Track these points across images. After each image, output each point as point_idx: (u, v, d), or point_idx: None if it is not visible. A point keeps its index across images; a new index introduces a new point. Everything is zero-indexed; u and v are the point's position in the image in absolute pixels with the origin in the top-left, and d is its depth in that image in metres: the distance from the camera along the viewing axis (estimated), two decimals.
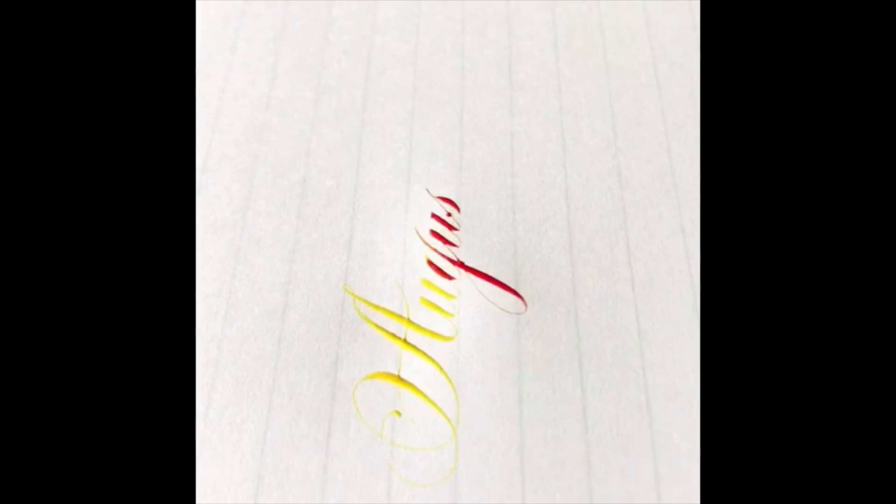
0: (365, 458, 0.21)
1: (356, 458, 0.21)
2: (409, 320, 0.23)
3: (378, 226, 0.25)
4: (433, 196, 0.26)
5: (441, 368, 0.22)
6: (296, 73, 0.29)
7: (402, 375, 0.22)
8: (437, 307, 0.24)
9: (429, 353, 0.23)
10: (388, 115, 0.28)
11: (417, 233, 0.25)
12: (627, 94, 0.28)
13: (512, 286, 0.24)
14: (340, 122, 0.28)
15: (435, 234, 0.25)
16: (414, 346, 0.23)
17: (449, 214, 0.26)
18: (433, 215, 0.25)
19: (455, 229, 0.25)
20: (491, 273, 0.24)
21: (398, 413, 0.22)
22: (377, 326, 0.23)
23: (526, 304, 0.24)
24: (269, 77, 0.29)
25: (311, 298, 0.24)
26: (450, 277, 0.24)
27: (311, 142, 0.27)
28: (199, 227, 0.25)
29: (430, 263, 0.24)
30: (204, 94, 0.28)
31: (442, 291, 0.24)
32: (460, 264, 0.24)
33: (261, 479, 0.21)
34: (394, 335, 0.23)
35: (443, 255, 0.25)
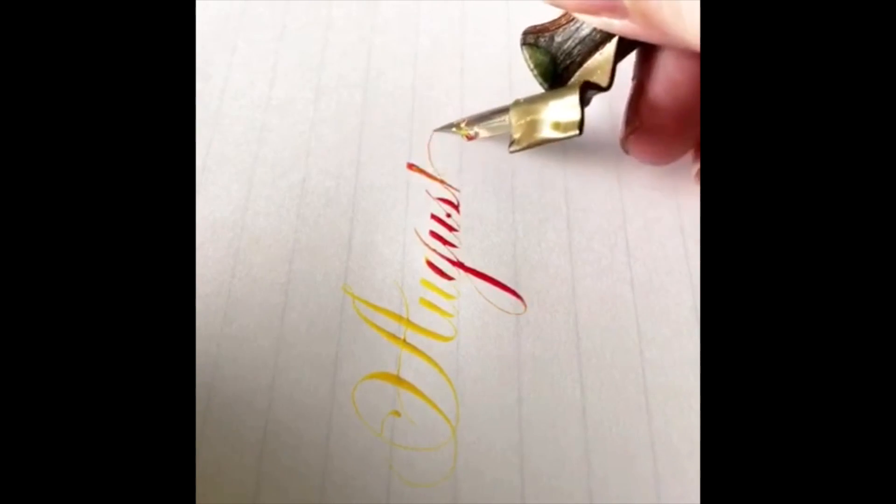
0: (365, 458, 0.21)
1: (356, 458, 0.21)
2: (408, 321, 0.23)
3: (378, 226, 0.25)
4: (433, 197, 0.26)
5: (441, 369, 0.23)
6: (296, 74, 0.29)
7: (402, 375, 0.22)
8: (437, 307, 0.24)
9: (428, 353, 0.23)
10: (388, 116, 0.28)
11: (417, 233, 0.25)
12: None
13: (511, 287, 0.24)
14: (340, 123, 0.28)
15: (434, 234, 0.25)
16: (413, 347, 0.23)
17: (448, 215, 0.26)
18: (433, 216, 0.26)
19: (455, 230, 0.25)
20: (490, 274, 0.24)
21: (398, 413, 0.22)
22: (377, 327, 0.23)
23: (525, 305, 0.24)
24: (269, 77, 0.29)
25: (310, 298, 0.24)
26: (449, 278, 0.24)
27: (311, 142, 0.27)
28: (199, 227, 0.25)
29: (430, 264, 0.24)
30: (204, 94, 0.28)
31: (441, 292, 0.24)
32: (460, 265, 0.25)
33: (260, 478, 0.21)
34: (393, 335, 0.23)
35: (442, 256, 0.25)
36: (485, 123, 0.26)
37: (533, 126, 0.24)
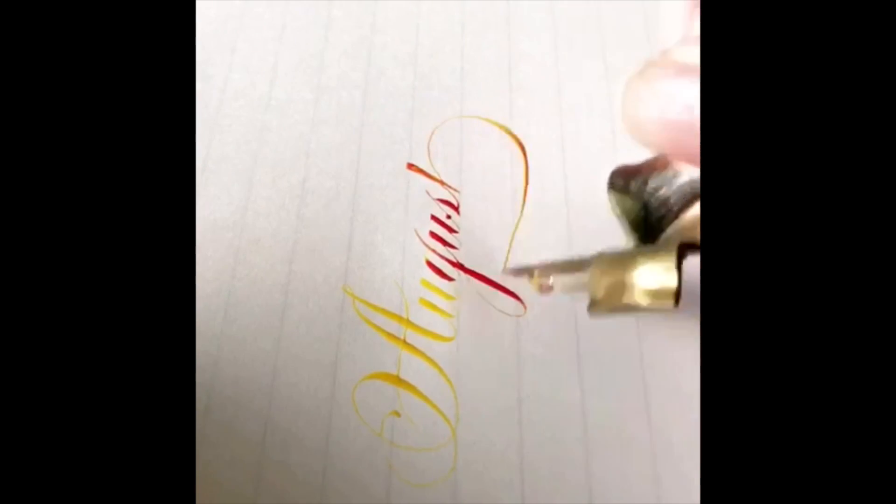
0: (365, 458, 0.21)
1: (356, 458, 0.21)
2: (408, 321, 0.23)
3: (377, 227, 0.25)
4: (433, 198, 0.26)
5: (440, 369, 0.23)
6: (296, 74, 0.29)
7: (402, 376, 0.22)
8: (437, 308, 0.24)
9: (428, 353, 0.23)
10: (388, 116, 0.28)
11: (417, 234, 0.25)
12: None
13: (511, 288, 0.24)
14: (340, 123, 0.28)
15: (434, 235, 0.25)
16: (413, 347, 0.23)
17: (448, 217, 0.26)
18: (433, 217, 0.26)
19: (454, 231, 0.25)
20: (490, 275, 0.24)
21: (397, 413, 0.22)
22: (377, 327, 0.23)
23: (525, 306, 0.24)
24: (269, 78, 0.29)
25: (310, 299, 0.24)
26: (449, 279, 0.24)
27: (311, 142, 0.27)
28: (199, 227, 0.25)
29: (430, 264, 0.24)
30: (204, 94, 0.28)
31: (441, 292, 0.24)
32: (460, 266, 0.25)
33: (260, 478, 0.21)
34: (393, 335, 0.23)
35: (442, 257, 0.25)
36: (561, 276, 0.22)
37: (618, 289, 0.19)
